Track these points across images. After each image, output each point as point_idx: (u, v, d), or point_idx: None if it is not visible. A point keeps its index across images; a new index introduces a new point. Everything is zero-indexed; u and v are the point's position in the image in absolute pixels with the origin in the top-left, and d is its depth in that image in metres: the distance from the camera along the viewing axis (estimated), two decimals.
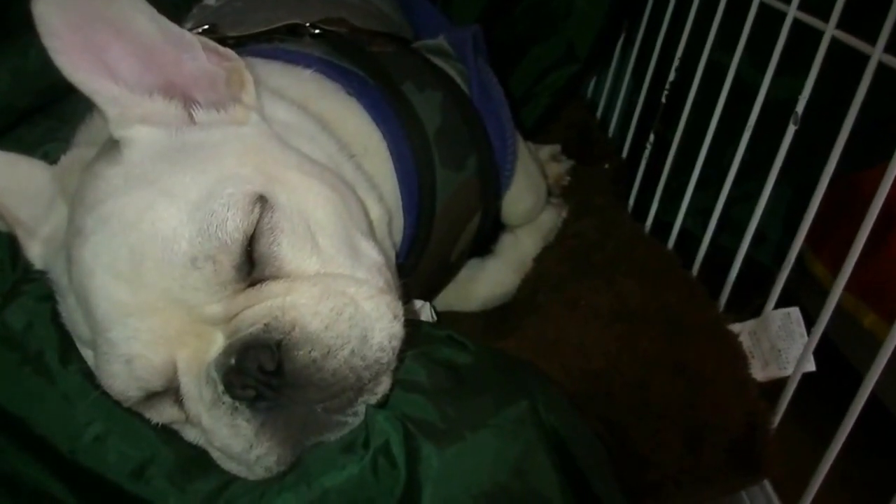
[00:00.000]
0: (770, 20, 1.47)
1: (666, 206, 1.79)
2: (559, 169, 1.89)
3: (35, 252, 1.06)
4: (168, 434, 0.97)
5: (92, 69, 0.94)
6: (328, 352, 0.88)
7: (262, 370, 0.86)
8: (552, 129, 2.04)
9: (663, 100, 1.83)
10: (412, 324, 0.97)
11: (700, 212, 1.68)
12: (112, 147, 0.98)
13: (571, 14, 1.94)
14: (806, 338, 1.25)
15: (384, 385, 0.95)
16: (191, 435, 0.97)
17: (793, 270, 1.37)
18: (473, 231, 1.45)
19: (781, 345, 1.25)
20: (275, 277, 0.92)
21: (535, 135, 2.00)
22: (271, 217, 0.92)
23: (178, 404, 0.93)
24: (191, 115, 1.01)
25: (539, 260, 1.64)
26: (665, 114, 1.83)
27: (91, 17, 0.92)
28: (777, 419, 1.20)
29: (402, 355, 0.96)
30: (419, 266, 1.35)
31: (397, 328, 0.93)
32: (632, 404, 1.15)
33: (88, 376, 0.96)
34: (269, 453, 0.89)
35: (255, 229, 0.90)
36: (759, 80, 1.50)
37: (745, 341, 1.28)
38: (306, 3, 1.59)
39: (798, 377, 1.21)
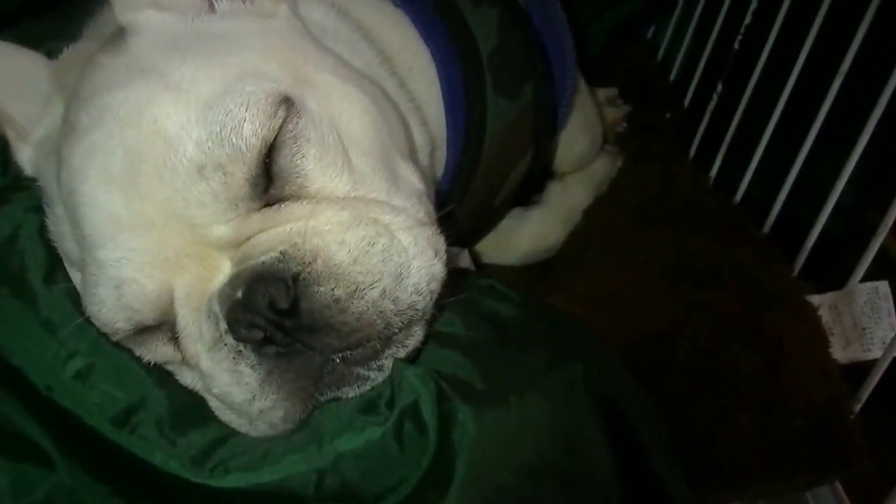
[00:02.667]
0: None
1: (729, 164, 1.62)
2: (616, 114, 1.72)
3: (25, 155, 0.93)
4: (161, 375, 0.84)
5: None
6: (354, 290, 0.73)
7: (274, 308, 0.72)
8: (608, 70, 1.85)
9: (736, 46, 1.64)
10: (453, 269, 0.82)
11: (765, 173, 1.51)
12: (118, 36, 0.84)
13: None
14: (895, 318, 1.08)
15: (416, 336, 0.81)
16: (186, 378, 0.84)
17: (858, 242, 1.20)
18: (522, 173, 1.29)
19: (867, 323, 1.08)
20: (296, 197, 0.78)
21: (591, 76, 1.82)
22: (297, 124, 0.77)
23: (173, 341, 0.80)
24: (211, 3, 0.87)
25: (590, 212, 1.48)
26: (737, 62, 1.64)
27: None
28: (858, 407, 1.04)
29: (440, 303, 0.81)
30: (460, 206, 1.19)
31: (438, 268, 0.79)
32: (698, 375, 1.00)
33: (76, 302, 0.83)
34: (275, 407, 0.76)
35: (276, 137, 0.76)
36: (854, 21, 1.31)
37: (825, 316, 1.12)
38: None
39: (887, 362, 1.05)
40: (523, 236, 1.49)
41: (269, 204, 0.77)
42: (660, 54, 1.95)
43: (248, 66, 0.78)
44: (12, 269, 0.85)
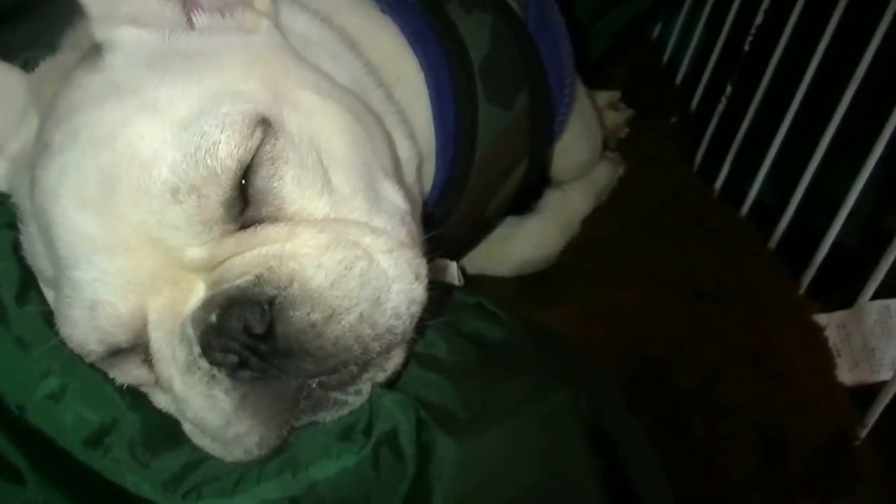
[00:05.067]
0: None
1: (738, 169, 1.63)
2: (618, 118, 1.74)
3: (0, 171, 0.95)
4: (134, 397, 0.86)
5: None
6: (331, 315, 0.75)
7: (249, 332, 0.74)
8: (612, 70, 1.87)
9: (746, 47, 1.65)
10: (438, 288, 0.84)
11: (776, 178, 1.52)
12: (95, 51, 0.86)
13: None
14: None
15: (396, 360, 0.82)
16: (160, 401, 0.86)
17: (876, 254, 1.21)
18: (517, 182, 1.31)
19: (876, 343, 1.09)
20: (274, 219, 0.79)
21: (592, 78, 1.83)
22: (275, 145, 0.79)
23: (147, 364, 0.82)
24: (190, 20, 0.89)
25: (589, 222, 1.50)
26: (747, 63, 1.66)
27: None
28: (864, 432, 1.05)
29: (422, 325, 0.83)
30: (449, 219, 1.20)
31: (418, 291, 0.80)
32: (698, 400, 1.01)
33: (49, 320, 0.84)
34: (250, 433, 0.78)
35: (252, 158, 0.77)
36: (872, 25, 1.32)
37: (832, 336, 1.13)
38: None
39: (894, 388, 1.06)
40: (518, 246, 1.50)
41: (245, 226, 0.78)
42: (666, 55, 1.97)
43: (225, 86, 0.80)
44: None
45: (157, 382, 0.82)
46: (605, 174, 1.58)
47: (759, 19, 1.63)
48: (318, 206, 0.80)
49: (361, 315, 0.75)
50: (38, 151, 0.82)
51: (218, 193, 0.76)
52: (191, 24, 0.88)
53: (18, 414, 0.83)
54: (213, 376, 0.76)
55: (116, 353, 0.80)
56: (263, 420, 0.77)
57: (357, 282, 0.76)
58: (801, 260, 1.35)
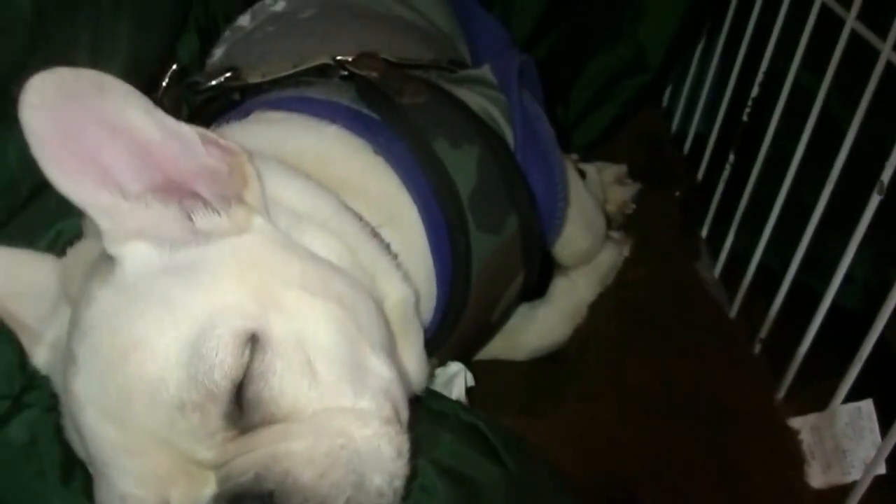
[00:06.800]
0: (863, 52, 1.39)
1: (743, 237, 1.73)
2: (624, 195, 1.84)
3: (41, 359, 1.09)
4: None
5: (85, 179, 0.93)
6: (322, 502, 0.89)
7: None
8: (619, 140, 1.98)
9: (745, 118, 1.75)
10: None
11: (784, 247, 1.62)
12: (109, 259, 0.98)
13: (642, 16, 1.86)
14: (878, 437, 1.18)
15: None
16: None
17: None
18: (517, 290, 1.44)
19: (847, 445, 1.19)
20: (268, 422, 0.92)
21: (600, 147, 1.95)
22: (263, 359, 0.91)
23: None
24: (190, 218, 1.00)
25: (592, 307, 1.62)
26: (746, 133, 1.76)
27: (83, 116, 0.92)
28: None
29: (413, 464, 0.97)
30: (451, 336, 1.34)
31: (399, 467, 0.94)
32: None
33: (90, 495, 0.99)
34: None
35: (244, 374, 0.91)
36: (848, 116, 1.42)
37: (807, 438, 1.23)
38: (341, 29, 1.58)
39: (864, 486, 1.15)
40: (528, 336, 1.65)
41: (245, 430, 0.91)
42: (674, 124, 2.06)
43: (219, 301, 0.93)
44: (33, 470, 1.03)
45: None
46: (609, 258, 1.70)
47: (755, 92, 1.72)
48: (307, 401, 0.93)
49: (348, 500, 0.89)
50: (67, 361, 0.96)
51: (217, 409, 0.89)
52: (192, 222, 1.00)
53: None
54: None
55: None
56: None
57: (343, 470, 0.89)
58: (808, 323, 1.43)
